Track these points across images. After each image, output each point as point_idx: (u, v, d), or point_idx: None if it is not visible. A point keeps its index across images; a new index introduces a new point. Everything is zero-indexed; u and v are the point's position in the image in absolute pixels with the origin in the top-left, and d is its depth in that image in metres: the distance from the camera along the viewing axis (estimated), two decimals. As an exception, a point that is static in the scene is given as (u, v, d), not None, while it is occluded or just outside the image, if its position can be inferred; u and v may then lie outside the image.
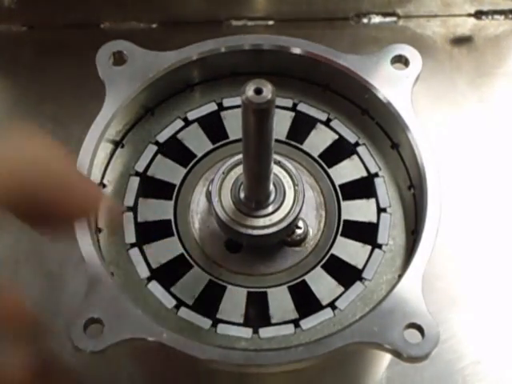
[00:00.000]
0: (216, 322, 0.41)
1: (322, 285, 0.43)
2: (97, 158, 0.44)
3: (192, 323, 0.41)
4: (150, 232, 0.44)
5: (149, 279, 0.43)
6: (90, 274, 0.39)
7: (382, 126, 0.47)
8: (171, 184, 0.46)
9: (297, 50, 0.47)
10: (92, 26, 0.77)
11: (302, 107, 0.48)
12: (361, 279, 0.43)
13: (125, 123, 0.47)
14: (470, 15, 0.80)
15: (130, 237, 0.44)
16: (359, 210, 0.45)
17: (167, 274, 0.43)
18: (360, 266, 0.43)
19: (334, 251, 0.44)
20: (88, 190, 0.37)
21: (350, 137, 0.47)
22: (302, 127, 0.48)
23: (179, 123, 0.48)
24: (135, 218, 0.44)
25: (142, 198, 0.45)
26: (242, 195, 0.42)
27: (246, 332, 0.41)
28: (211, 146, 0.47)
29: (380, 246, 0.44)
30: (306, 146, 0.47)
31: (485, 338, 0.61)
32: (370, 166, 0.46)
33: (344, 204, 0.45)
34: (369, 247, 0.44)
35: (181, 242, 0.44)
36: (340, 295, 0.42)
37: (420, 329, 0.37)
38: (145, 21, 0.78)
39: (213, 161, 0.47)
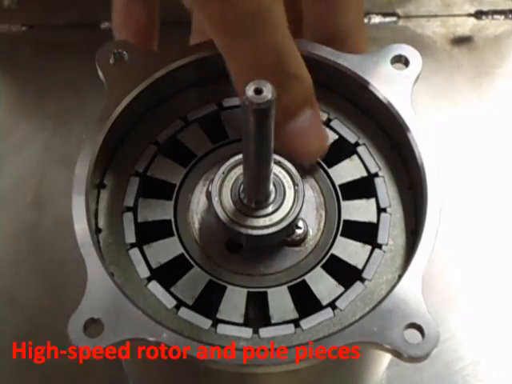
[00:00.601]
0: (216, 322, 0.41)
1: (322, 285, 0.43)
2: (97, 158, 0.44)
3: (192, 323, 0.41)
4: (150, 232, 0.44)
5: (149, 279, 0.43)
6: (90, 274, 0.39)
7: (382, 126, 0.47)
8: (171, 184, 0.46)
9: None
10: (92, 25, 0.77)
11: (302, 107, 0.48)
12: (361, 279, 0.43)
13: (125, 123, 0.47)
14: (469, 15, 0.80)
15: (130, 237, 0.44)
16: (359, 210, 0.45)
17: (167, 274, 0.43)
18: (360, 266, 0.43)
19: (334, 251, 0.44)
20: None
21: (350, 137, 0.47)
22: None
23: (179, 123, 0.48)
24: (135, 217, 0.44)
25: (142, 198, 0.45)
26: (242, 195, 0.42)
27: (246, 332, 0.41)
28: (211, 146, 0.47)
29: (380, 246, 0.43)
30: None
31: (484, 339, 0.61)
32: (370, 165, 0.46)
33: (344, 204, 0.45)
34: (369, 247, 0.44)
35: (181, 241, 0.44)
36: (340, 295, 0.42)
37: (420, 329, 0.37)
38: (145, 21, 0.77)
39: (213, 161, 0.47)
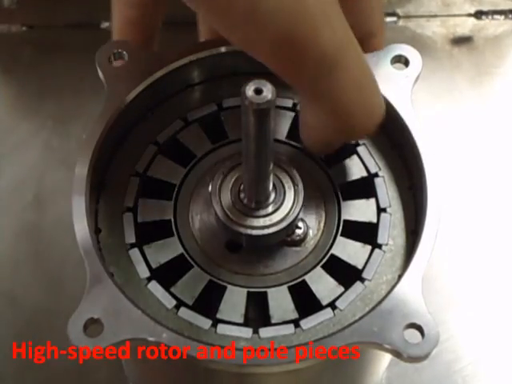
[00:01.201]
0: (216, 322, 0.41)
1: (322, 285, 0.43)
2: (97, 158, 0.44)
3: (192, 323, 0.41)
4: (150, 232, 0.44)
5: (149, 279, 0.43)
6: (90, 274, 0.39)
7: (382, 126, 0.47)
8: (171, 184, 0.46)
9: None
10: (92, 25, 0.77)
11: (302, 107, 0.48)
12: (361, 279, 0.43)
13: (124, 123, 0.47)
14: (469, 15, 0.80)
15: (130, 237, 0.44)
16: (359, 210, 0.45)
17: (167, 274, 0.43)
18: (360, 266, 0.43)
19: (334, 251, 0.44)
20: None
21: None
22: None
23: (179, 123, 0.48)
24: (135, 218, 0.44)
25: (142, 199, 0.45)
26: (242, 195, 0.42)
27: (246, 332, 0.41)
28: (211, 146, 0.47)
29: (380, 246, 0.43)
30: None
31: (484, 339, 0.61)
32: (370, 165, 0.46)
33: (344, 204, 0.45)
34: (369, 247, 0.44)
35: (181, 242, 0.44)
36: (340, 295, 0.42)
37: (420, 329, 0.37)
38: (145, 21, 0.77)
39: (213, 161, 0.47)
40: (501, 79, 0.77)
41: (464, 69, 0.77)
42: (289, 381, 0.42)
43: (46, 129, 0.71)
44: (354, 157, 0.47)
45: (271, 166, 0.41)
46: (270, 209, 0.42)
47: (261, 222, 0.42)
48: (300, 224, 0.44)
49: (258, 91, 0.35)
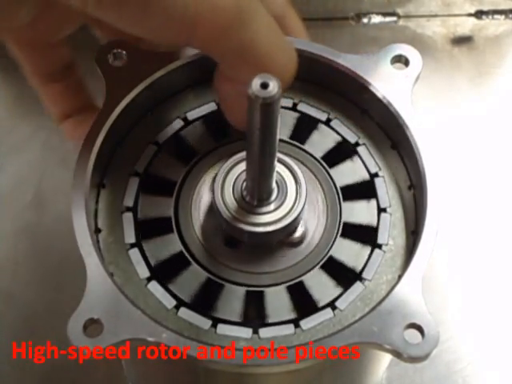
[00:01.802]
0: (216, 322, 0.41)
1: (320, 286, 0.42)
2: (96, 158, 0.44)
3: (192, 323, 0.41)
4: (150, 229, 0.44)
5: (148, 279, 0.43)
6: (90, 274, 0.39)
7: (382, 126, 0.47)
8: (172, 183, 0.46)
9: (297, 50, 0.47)
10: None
11: (302, 107, 0.48)
12: (361, 279, 0.43)
13: (124, 123, 0.47)
14: (470, 15, 0.80)
15: (130, 237, 0.44)
16: (360, 212, 0.45)
17: (166, 271, 0.43)
18: (359, 268, 0.43)
19: (333, 252, 0.44)
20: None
21: (350, 137, 0.47)
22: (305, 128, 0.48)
23: (179, 123, 0.48)
24: (135, 217, 0.44)
25: (142, 197, 0.45)
26: (244, 193, 0.42)
27: (246, 332, 0.41)
28: (213, 145, 0.47)
29: (380, 246, 0.43)
30: (307, 147, 0.47)
31: (484, 339, 0.61)
32: (370, 165, 0.46)
33: (344, 205, 0.45)
34: (369, 247, 0.44)
35: (181, 238, 0.44)
36: (340, 295, 0.42)
37: (420, 329, 0.37)
38: (145, 21, 0.77)
39: (214, 159, 0.47)
40: (501, 79, 0.77)
41: (464, 68, 0.77)
42: (289, 381, 0.42)
43: (46, 129, 0.71)
44: (355, 157, 0.47)
45: (275, 162, 0.40)
46: (273, 206, 0.42)
47: (263, 219, 0.42)
48: (299, 225, 0.44)
49: (264, 85, 0.35)
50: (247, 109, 0.37)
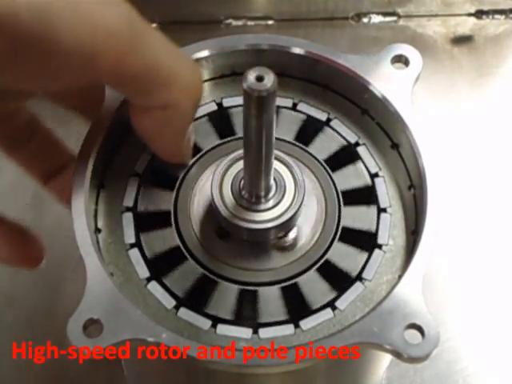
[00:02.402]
0: (216, 322, 0.41)
1: (315, 288, 0.42)
2: (96, 158, 0.44)
3: (191, 324, 0.41)
4: (148, 222, 0.44)
5: (148, 279, 0.43)
6: (90, 274, 0.39)
7: (382, 126, 0.47)
8: (171, 183, 0.46)
9: (297, 50, 0.47)
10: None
11: (302, 107, 0.48)
12: (361, 279, 0.43)
13: (124, 123, 0.46)
14: (470, 15, 0.80)
15: (130, 237, 0.44)
16: (359, 216, 0.45)
17: (161, 265, 0.43)
18: (355, 273, 0.43)
19: (329, 255, 0.44)
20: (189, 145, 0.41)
21: (350, 137, 0.47)
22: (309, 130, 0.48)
23: (179, 123, 0.48)
24: (135, 217, 0.44)
25: (143, 188, 0.45)
26: (242, 190, 0.42)
27: (246, 332, 0.41)
28: (216, 142, 0.47)
29: (380, 247, 0.43)
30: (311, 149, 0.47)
31: (484, 339, 0.61)
32: (370, 166, 0.46)
33: (344, 209, 0.45)
34: (364, 258, 0.43)
35: (178, 233, 0.44)
36: (340, 295, 0.42)
37: (420, 329, 0.37)
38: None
39: (214, 157, 0.47)
40: (501, 79, 0.77)
41: (464, 68, 0.77)
42: (289, 381, 0.42)
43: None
44: (360, 165, 0.47)
45: (272, 159, 0.40)
46: (271, 203, 0.42)
47: (262, 216, 0.42)
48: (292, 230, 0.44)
49: (260, 78, 0.35)
50: (243, 103, 0.36)
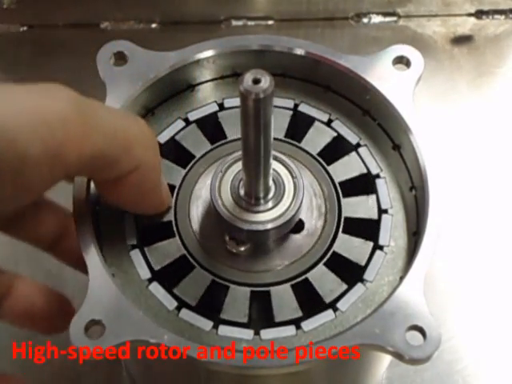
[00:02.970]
0: (217, 323, 0.41)
1: (325, 282, 0.42)
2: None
3: (193, 325, 0.41)
4: (151, 234, 0.44)
5: (150, 281, 0.42)
6: (91, 275, 0.39)
7: (384, 127, 0.47)
8: (171, 185, 0.46)
9: (298, 51, 0.47)
10: (92, 25, 0.77)
11: (303, 108, 0.48)
12: (362, 281, 0.42)
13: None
14: (470, 15, 0.80)
15: (131, 238, 0.44)
16: (360, 207, 0.45)
17: (169, 275, 0.43)
18: (363, 263, 0.43)
19: (336, 248, 0.44)
20: (160, 189, 0.41)
21: (352, 137, 0.47)
22: (300, 126, 0.48)
23: (180, 124, 0.48)
24: (136, 219, 0.44)
25: None
26: (241, 191, 0.42)
27: (248, 333, 0.41)
28: (210, 146, 0.47)
29: (381, 248, 0.43)
30: (304, 145, 0.47)
31: (485, 339, 0.61)
32: (372, 166, 0.46)
33: (344, 201, 0.45)
34: (370, 247, 0.43)
35: (182, 242, 0.44)
36: (341, 296, 0.42)
37: (422, 331, 0.37)
38: (145, 21, 0.78)
39: (211, 160, 0.47)
40: (501, 79, 0.76)
41: (464, 68, 0.77)
42: (289, 381, 0.42)
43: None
44: (355, 156, 0.46)
45: (271, 160, 0.40)
46: (270, 204, 0.42)
47: (261, 217, 0.42)
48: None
49: (256, 81, 0.35)
50: (240, 105, 0.36)
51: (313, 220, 0.45)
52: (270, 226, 0.42)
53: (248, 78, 0.35)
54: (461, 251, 0.64)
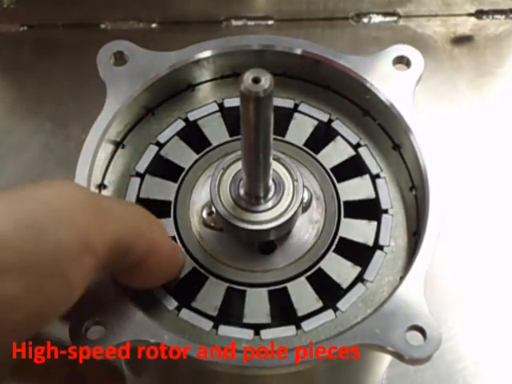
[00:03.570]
0: (217, 323, 0.41)
1: (339, 268, 0.43)
2: (97, 158, 0.44)
3: (193, 325, 0.41)
4: None
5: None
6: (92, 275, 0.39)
7: (384, 127, 0.47)
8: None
9: (299, 51, 0.47)
10: (92, 26, 0.77)
11: (304, 108, 0.48)
12: (362, 281, 0.42)
13: (125, 124, 0.46)
14: (470, 15, 0.80)
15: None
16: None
17: (184, 289, 0.42)
18: (370, 243, 0.43)
19: (341, 234, 0.44)
20: (176, 257, 0.41)
21: (352, 138, 0.47)
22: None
23: (180, 124, 0.48)
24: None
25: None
26: (241, 191, 0.42)
27: (248, 334, 0.41)
28: (209, 147, 0.47)
29: (382, 248, 0.43)
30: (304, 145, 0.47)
31: (485, 339, 0.61)
32: (372, 166, 0.46)
33: (342, 191, 0.45)
34: (374, 227, 0.44)
35: (190, 255, 0.44)
36: (342, 296, 0.42)
37: (422, 331, 0.37)
38: (145, 21, 0.78)
39: (210, 161, 0.47)
40: (501, 78, 0.76)
41: (464, 69, 0.77)
42: (289, 381, 0.42)
43: (45, 130, 0.71)
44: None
45: (270, 159, 0.40)
46: (270, 204, 0.42)
47: (261, 216, 0.42)
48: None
49: (256, 80, 0.35)
50: (240, 105, 0.36)
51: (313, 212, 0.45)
52: (270, 225, 0.42)
53: (248, 77, 0.35)
54: (461, 251, 0.64)
